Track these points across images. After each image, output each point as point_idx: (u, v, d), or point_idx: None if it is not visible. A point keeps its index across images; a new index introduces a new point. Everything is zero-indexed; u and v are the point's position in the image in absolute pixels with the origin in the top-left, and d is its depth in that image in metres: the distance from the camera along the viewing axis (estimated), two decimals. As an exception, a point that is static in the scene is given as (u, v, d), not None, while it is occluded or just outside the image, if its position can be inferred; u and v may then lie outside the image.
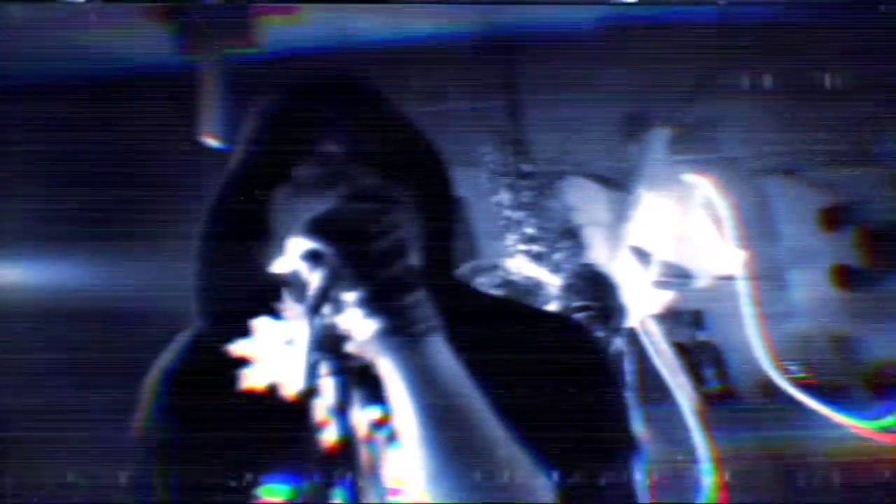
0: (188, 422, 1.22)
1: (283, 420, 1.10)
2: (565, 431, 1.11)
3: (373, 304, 1.02)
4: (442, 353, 1.05)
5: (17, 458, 2.70)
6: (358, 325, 1.04)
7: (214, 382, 1.17)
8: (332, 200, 1.13)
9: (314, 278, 1.03)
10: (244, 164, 1.26)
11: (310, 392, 0.98)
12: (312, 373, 0.98)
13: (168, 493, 1.23)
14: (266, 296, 1.18)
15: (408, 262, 1.06)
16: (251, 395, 1.15)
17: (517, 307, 1.66)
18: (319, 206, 1.11)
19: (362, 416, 1.15)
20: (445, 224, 1.27)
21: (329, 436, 1.03)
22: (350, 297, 1.03)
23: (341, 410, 1.02)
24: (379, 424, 1.14)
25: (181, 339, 1.32)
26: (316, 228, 1.05)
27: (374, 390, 1.12)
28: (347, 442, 1.01)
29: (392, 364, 1.04)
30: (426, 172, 1.26)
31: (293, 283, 1.07)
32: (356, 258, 1.03)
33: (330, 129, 1.22)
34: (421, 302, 1.05)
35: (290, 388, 1.08)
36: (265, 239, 1.18)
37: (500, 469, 1.03)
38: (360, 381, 1.11)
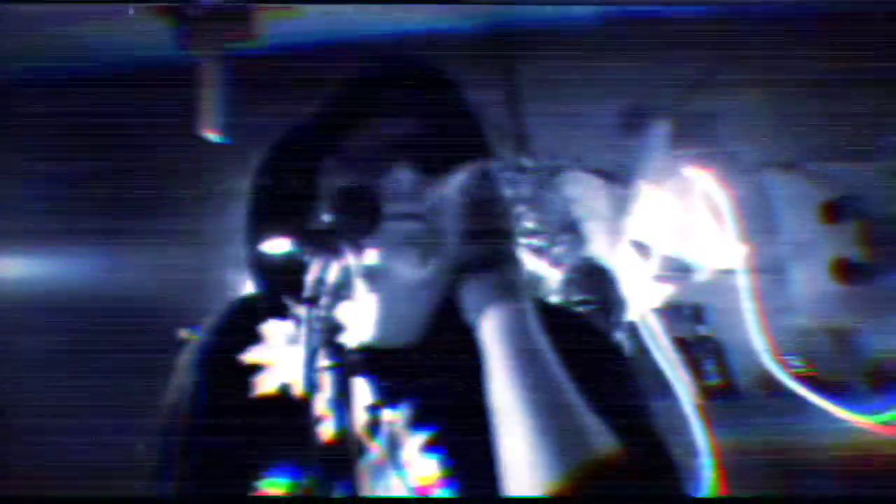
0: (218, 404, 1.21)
1: (284, 413, 1.10)
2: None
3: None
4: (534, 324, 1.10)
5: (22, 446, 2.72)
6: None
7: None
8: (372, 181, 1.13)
9: (316, 265, 1.01)
10: (299, 129, 1.26)
11: (311, 389, 0.97)
12: (311, 370, 0.97)
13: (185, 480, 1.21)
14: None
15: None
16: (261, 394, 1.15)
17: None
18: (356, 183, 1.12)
19: (366, 409, 1.15)
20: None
21: (328, 429, 1.03)
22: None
23: (340, 404, 1.02)
24: (376, 408, 1.15)
25: (219, 315, 1.30)
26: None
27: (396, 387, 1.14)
28: (346, 435, 1.01)
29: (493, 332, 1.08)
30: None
31: (287, 268, 1.05)
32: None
33: (392, 112, 1.21)
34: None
35: (298, 387, 1.08)
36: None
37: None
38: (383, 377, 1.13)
